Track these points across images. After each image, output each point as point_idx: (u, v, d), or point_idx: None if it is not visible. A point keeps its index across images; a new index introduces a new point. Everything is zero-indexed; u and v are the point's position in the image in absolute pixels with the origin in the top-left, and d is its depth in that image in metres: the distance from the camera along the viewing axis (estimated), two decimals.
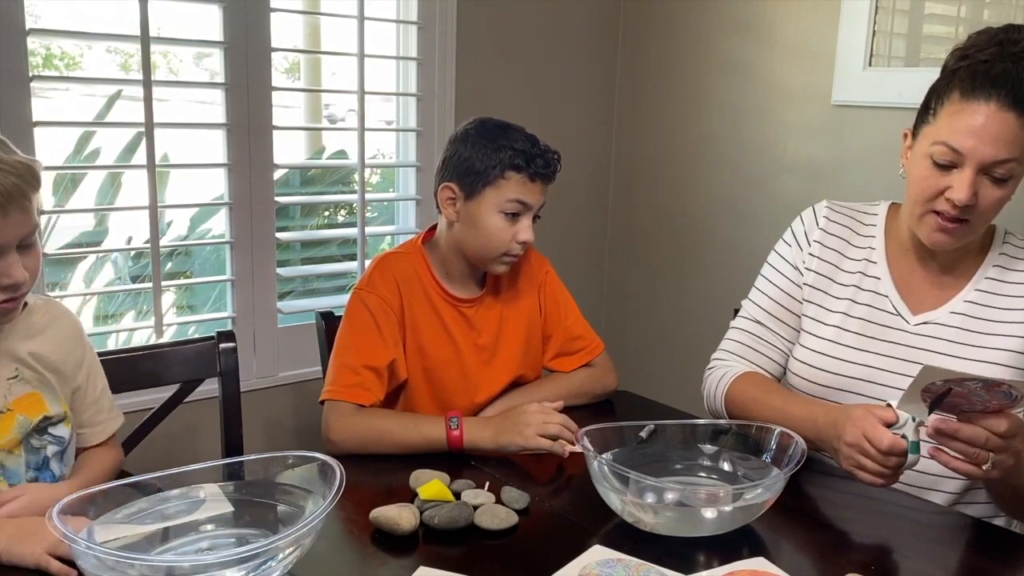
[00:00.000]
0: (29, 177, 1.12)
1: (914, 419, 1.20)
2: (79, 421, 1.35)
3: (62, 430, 1.28)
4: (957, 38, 1.37)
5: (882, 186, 2.06)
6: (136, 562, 0.95)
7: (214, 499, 1.13)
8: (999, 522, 1.38)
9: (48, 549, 1.04)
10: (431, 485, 1.23)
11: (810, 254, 1.52)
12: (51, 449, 1.26)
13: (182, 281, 2.42)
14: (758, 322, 1.55)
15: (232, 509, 1.12)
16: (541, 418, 1.44)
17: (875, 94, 2.14)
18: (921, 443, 1.20)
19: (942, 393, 1.16)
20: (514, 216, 1.53)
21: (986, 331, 1.38)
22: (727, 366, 1.55)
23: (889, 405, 1.24)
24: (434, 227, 1.66)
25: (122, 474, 1.40)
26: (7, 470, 1.22)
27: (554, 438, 1.44)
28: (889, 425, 1.21)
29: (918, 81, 1.40)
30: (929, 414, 1.19)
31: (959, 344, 1.38)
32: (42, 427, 1.25)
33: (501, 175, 1.51)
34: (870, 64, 2.15)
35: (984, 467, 1.15)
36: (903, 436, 1.20)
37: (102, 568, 0.94)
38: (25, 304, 1.25)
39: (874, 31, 2.13)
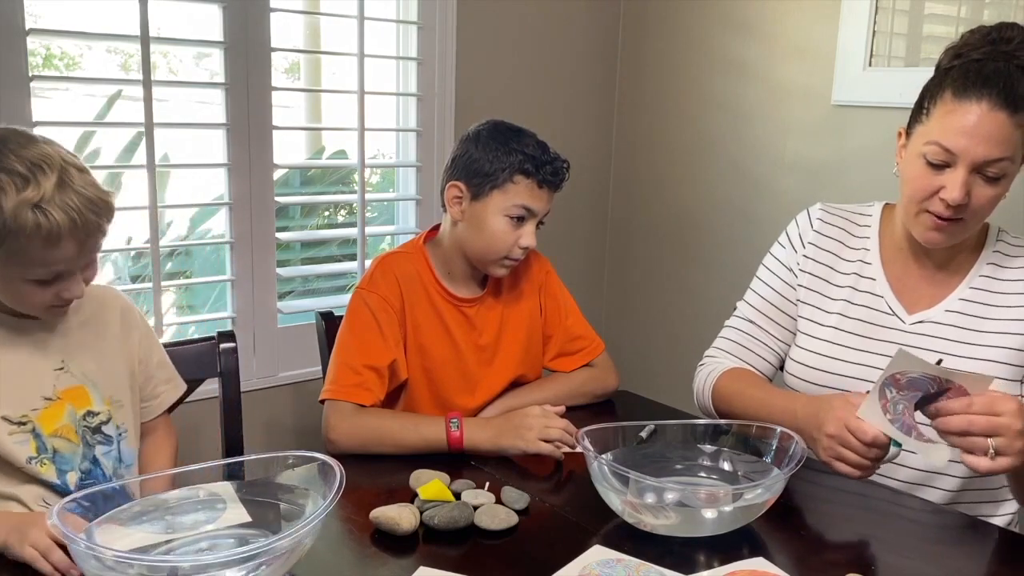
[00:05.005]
0: (106, 211, 1.20)
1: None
2: (141, 396, 1.40)
3: (110, 429, 1.31)
4: (957, 38, 1.37)
5: (882, 186, 2.04)
6: (136, 562, 0.95)
7: (232, 504, 1.13)
8: (998, 522, 1.38)
9: (33, 543, 1.05)
10: (431, 485, 1.23)
11: (804, 256, 1.52)
12: (100, 449, 1.29)
13: (182, 281, 2.42)
14: (751, 322, 1.56)
15: (249, 519, 1.12)
16: (543, 422, 1.44)
17: (875, 94, 2.14)
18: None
19: (932, 394, 1.17)
20: (519, 220, 1.53)
21: (981, 328, 1.38)
22: (716, 362, 1.56)
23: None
24: (437, 226, 1.66)
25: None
26: (60, 456, 1.24)
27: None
28: None
29: (918, 81, 1.39)
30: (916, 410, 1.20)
31: (954, 342, 1.38)
32: (92, 425, 1.28)
33: (509, 179, 1.51)
34: (870, 64, 2.15)
35: (988, 454, 1.14)
36: None
37: (102, 568, 0.94)
38: None
39: (874, 31, 2.13)
